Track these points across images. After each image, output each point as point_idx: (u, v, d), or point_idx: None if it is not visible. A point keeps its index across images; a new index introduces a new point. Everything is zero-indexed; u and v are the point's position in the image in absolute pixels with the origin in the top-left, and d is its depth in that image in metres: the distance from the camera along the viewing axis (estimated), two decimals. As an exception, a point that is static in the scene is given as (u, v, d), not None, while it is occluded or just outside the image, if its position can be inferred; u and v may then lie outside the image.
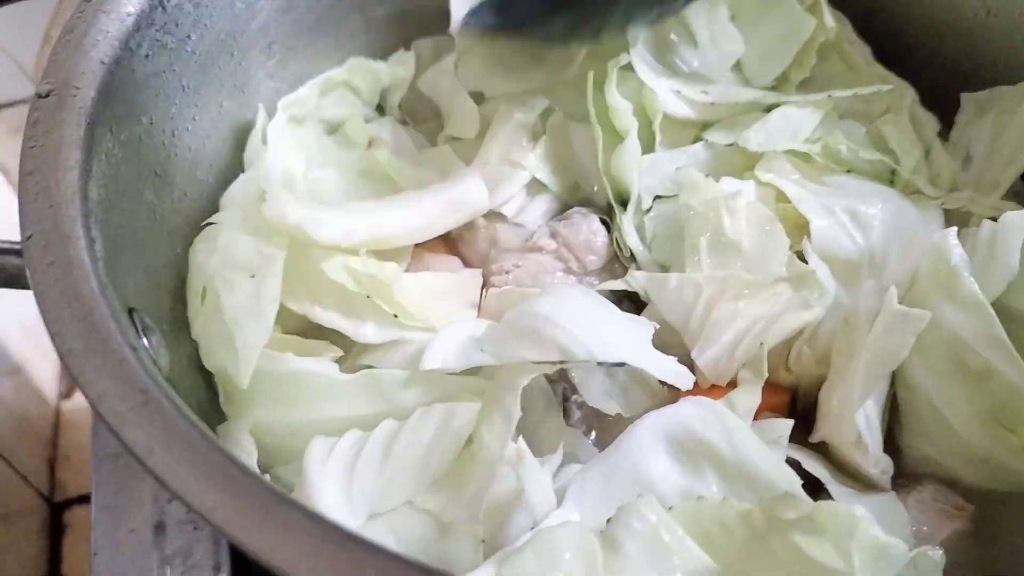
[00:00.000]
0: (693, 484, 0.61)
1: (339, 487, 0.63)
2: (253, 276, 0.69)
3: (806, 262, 0.72)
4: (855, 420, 0.65)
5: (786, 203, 0.76)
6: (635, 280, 0.74)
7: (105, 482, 0.86)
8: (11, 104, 1.31)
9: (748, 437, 0.61)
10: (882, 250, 0.72)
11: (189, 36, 0.72)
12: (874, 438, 0.66)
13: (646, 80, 0.80)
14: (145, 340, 0.55)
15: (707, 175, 0.78)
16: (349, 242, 0.72)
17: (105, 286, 0.51)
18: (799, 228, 0.75)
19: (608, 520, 0.58)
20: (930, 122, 0.84)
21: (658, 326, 0.72)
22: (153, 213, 0.68)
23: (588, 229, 0.79)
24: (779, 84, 0.85)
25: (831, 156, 0.79)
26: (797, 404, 0.74)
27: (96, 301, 0.50)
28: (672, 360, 0.69)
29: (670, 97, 0.82)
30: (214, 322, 0.68)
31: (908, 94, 0.84)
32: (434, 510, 0.62)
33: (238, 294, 0.68)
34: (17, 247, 0.58)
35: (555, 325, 0.66)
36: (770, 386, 0.69)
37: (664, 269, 0.77)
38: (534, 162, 0.82)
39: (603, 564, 0.55)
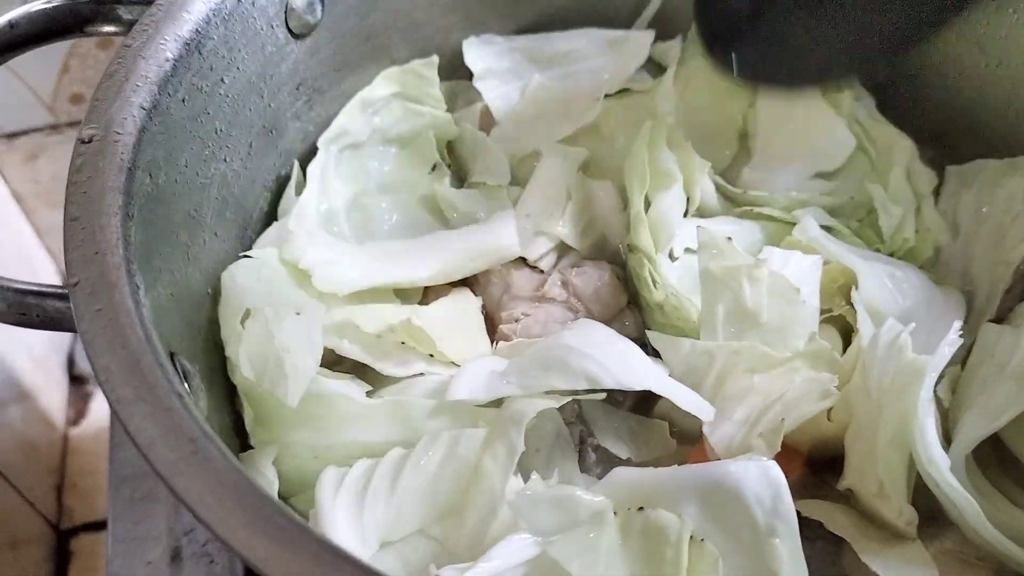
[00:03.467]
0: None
1: (350, 517, 0.64)
2: (299, 314, 0.71)
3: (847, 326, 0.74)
4: (876, 471, 0.66)
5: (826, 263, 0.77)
6: (650, 338, 0.75)
7: (123, 514, 0.87)
8: (26, 132, 1.32)
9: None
10: (917, 320, 0.72)
11: (223, 79, 0.73)
12: (896, 488, 0.66)
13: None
14: (187, 384, 0.56)
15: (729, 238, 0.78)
16: (349, 291, 0.74)
17: (149, 332, 0.52)
18: (838, 289, 0.77)
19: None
20: (926, 178, 0.86)
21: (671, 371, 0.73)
22: (187, 254, 0.69)
23: (599, 279, 0.81)
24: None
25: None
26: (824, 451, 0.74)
27: (143, 348, 0.51)
28: (695, 394, 0.70)
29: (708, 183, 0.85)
30: (260, 344, 0.69)
31: (908, 149, 0.87)
32: (440, 538, 0.64)
33: (287, 325, 0.70)
34: (61, 291, 0.59)
35: (582, 355, 0.68)
36: (783, 450, 0.68)
37: (680, 328, 0.76)
38: (563, 230, 0.83)
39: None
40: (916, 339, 0.68)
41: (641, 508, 0.61)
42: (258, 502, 0.45)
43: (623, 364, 0.67)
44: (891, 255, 0.83)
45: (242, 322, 0.69)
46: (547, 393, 0.69)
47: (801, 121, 0.88)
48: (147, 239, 0.61)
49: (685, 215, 0.83)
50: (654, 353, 0.79)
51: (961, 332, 0.67)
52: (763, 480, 0.60)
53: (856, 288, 0.75)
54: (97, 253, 0.55)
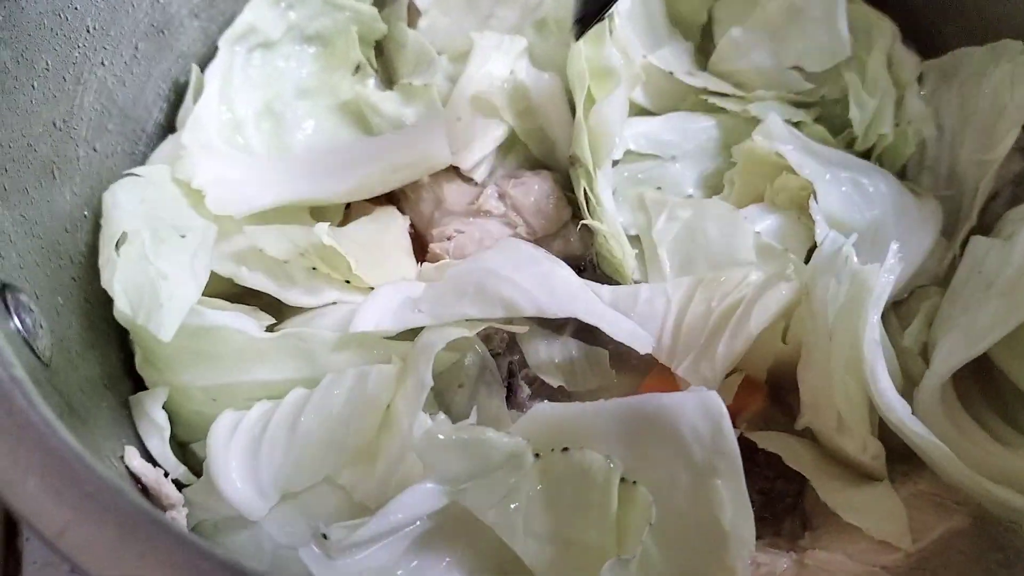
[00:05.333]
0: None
1: (245, 467, 0.57)
2: (184, 236, 0.63)
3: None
4: (833, 402, 0.58)
5: (789, 173, 0.69)
6: (603, 296, 0.66)
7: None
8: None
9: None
10: (885, 231, 0.66)
11: (91, -31, 0.63)
12: (857, 419, 0.58)
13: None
14: (16, 321, 0.48)
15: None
16: (247, 213, 0.66)
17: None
18: (798, 202, 0.69)
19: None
20: (910, 64, 0.76)
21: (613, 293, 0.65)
22: (51, 171, 0.60)
23: (540, 190, 0.72)
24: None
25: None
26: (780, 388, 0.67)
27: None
28: (630, 321, 0.62)
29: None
30: (135, 271, 0.60)
31: (888, 31, 0.76)
32: (349, 487, 0.57)
33: (169, 250, 0.62)
34: None
35: (500, 278, 0.60)
36: (744, 383, 0.63)
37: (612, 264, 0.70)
38: (511, 116, 0.75)
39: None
40: (881, 252, 0.60)
41: (565, 449, 0.54)
42: (64, 463, 0.37)
43: (546, 288, 0.58)
44: (867, 155, 0.74)
45: (117, 248, 0.60)
46: (468, 320, 0.61)
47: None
48: (-15, 152, 0.53)
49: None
50: (601, 273, 0.72)
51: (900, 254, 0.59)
52: (701, 412, 0.52)
53: (814, 197, 0.67)
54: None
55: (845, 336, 0.58)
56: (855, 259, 0.59)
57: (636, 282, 0.69)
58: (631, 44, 0.75)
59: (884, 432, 0.60)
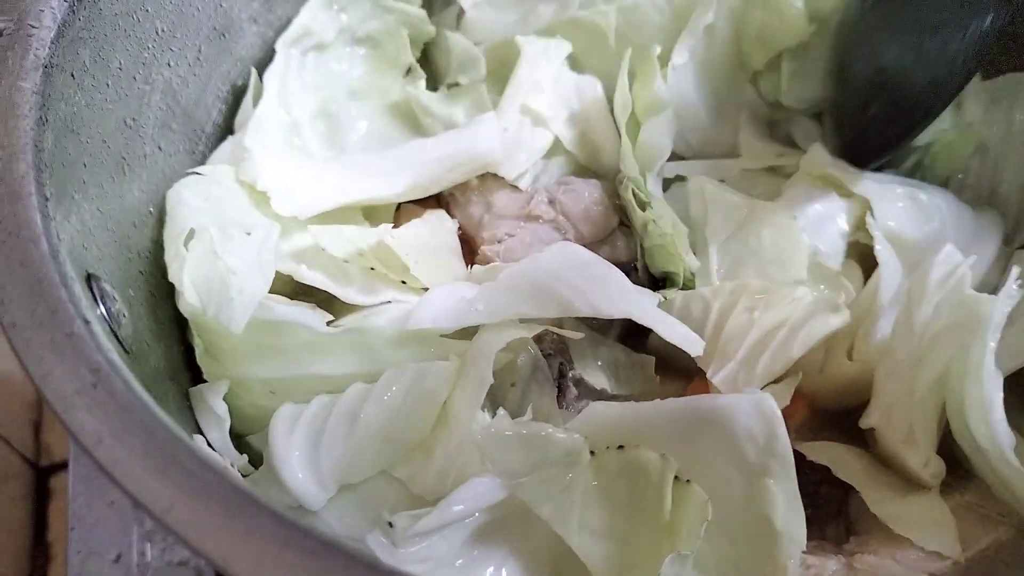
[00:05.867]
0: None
1: (306, 458, 0.59)
2: (249, 234, 0.65)
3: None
4: (909, 413, 0.59)
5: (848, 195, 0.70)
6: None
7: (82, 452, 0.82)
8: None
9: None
10: (945, 244, 0.65)
11: (162, -27, 0.65)
12: (927, 437, 0.60)
13: None
14: (103, 309, 0.50)
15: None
16: (311, 214, 0.68)
17: (56, 249, 0.46)
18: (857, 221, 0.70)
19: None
20: None
21: (664, 299, 0.67)
22: (122, 167, 0.62)
23: (589, 198, 0.73)
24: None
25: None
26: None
27: (46, 266, 0.45)
28: (683, 325, 0.63)
29: None
30: (204, 266, 0.62)
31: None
32: (406, 480, 0.58)
33: (236, 246, 0.63)
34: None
35: (556, 277, 0.61)
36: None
37: (665, 249, 0.70)
38: (558, 126, 0.77)
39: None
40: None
41: (621, 447, 0.55)
42: (166, 443, 0.39)
43: (602, 289, 0.60)
44: (921, 160, 0.75)
45: (186, 243, 0.62)
46: (523, 321, 0.62)
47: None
48: (68, 147, 0.55)
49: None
50: (649, 279, 0.73)
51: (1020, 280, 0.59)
52: (755, 414, 0.54)
53: (871, 213, 0.68)
54: (0, 159, 0.48)
55: (939, 358, 0.58)
56: (969, 284, 0.59)
57: (693, 273, 0.69)
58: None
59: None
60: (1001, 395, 0.56)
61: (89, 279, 0.51)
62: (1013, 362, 0.61)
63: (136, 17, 0.63)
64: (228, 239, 0.62)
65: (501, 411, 0.57)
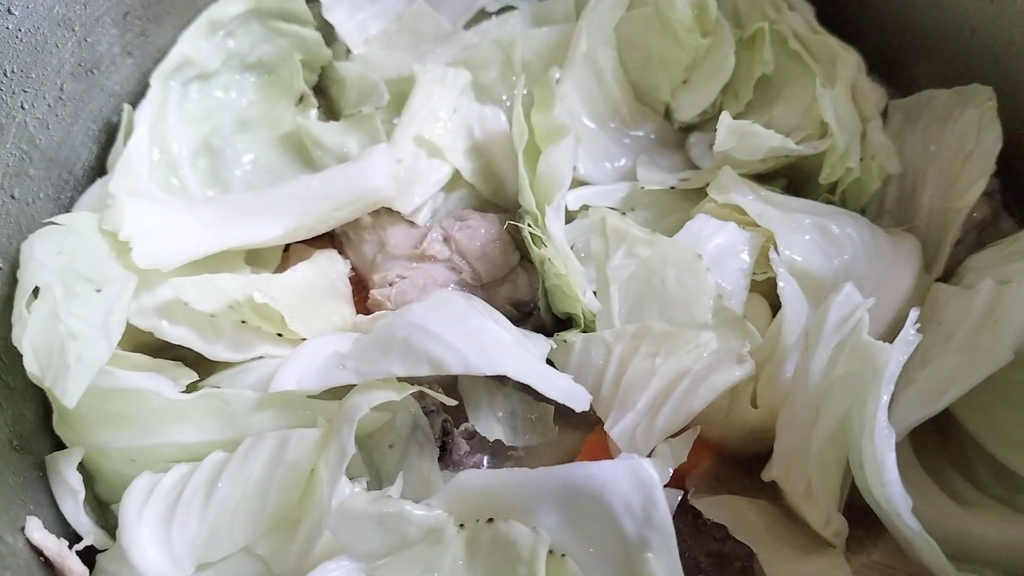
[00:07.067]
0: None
1: (158, 535, 0.54)
2: (100, 291, 0.60)
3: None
4: (806, 467, 0.55)
5: (753, 226, 0.66)
6: (540, 347, 0.63)
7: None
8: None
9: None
10: (858, 277, 0.62)
11: (10, 10, 0.60)
12: (827, 492, 0.55)
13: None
14: None
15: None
16: (177, 265, 0.63)
17: None
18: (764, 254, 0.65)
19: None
20: (874, 97, 0.73)
21: (555, 346, 0.62)
22: (-42, 220, 0.58)
23: (486, 235, 0.69)
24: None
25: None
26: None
27: None
28: (566, 377, 0.59)
29: None
30: (44, 329, 0.58)
31: (852, 62, 0.73)
32: (267, 558, 0.54)
33: (81, 306, 0.59)
34: None
35: (428, 334, 0.57)
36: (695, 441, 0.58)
37: (561, 289, 0.66)
38: (457, 157, 0.73)
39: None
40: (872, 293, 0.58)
41: (491, 520, 0.51)
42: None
43: (476, 345, 0.55)
44: (832, 190, 0.71)
45: (29, 304, 0.58)
46: (400, 380, 0.58)
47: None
48: None
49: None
50: (553, 319, 0.69)
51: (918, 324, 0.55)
52: (633, 483, 0.49)
53: (775, 248, 0.63)
54: None
55: (836, 408, 0.54)
56: (866, 330, 0.54)
57: (593, 314, 0.65)
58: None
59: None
60: (893, 454, 0.52)
61: None
62: (928, 408, 0.57)
63: (-24, 60, 0.58)
64: (73, 298, 0.58)
65: (357, 485, 0.53)
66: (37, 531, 0.53)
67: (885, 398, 0.52)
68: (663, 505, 0.49)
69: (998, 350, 0.55)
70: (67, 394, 0.54)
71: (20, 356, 0.59)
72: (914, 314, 0.55)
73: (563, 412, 0.65)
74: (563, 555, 0.50)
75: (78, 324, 0.56)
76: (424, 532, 0.50)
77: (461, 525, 0.51)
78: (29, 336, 0.56)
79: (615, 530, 0.50)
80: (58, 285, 0.58)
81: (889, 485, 0.51)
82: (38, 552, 0.53)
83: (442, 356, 0.55)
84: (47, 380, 0.55)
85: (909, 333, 0.54)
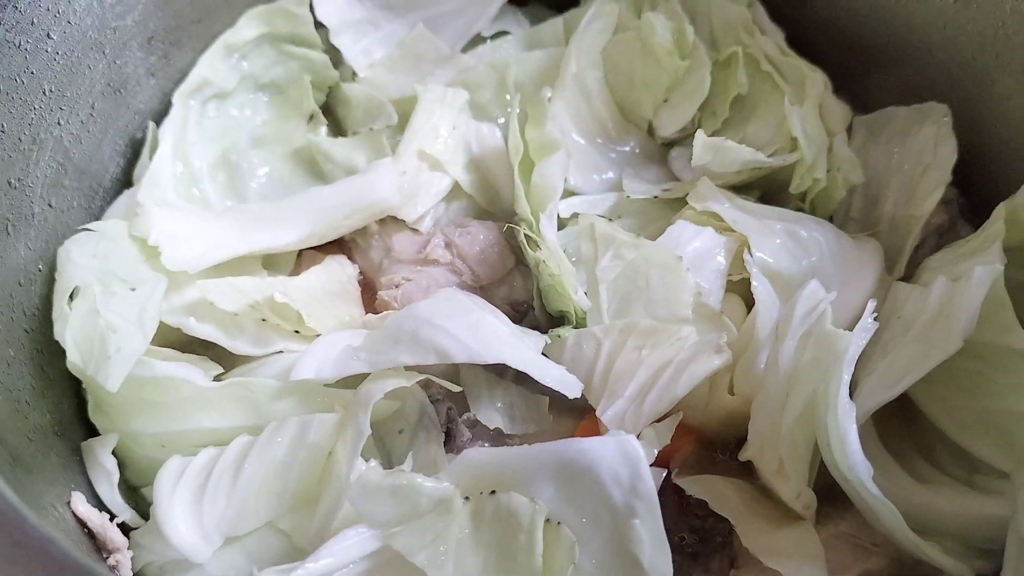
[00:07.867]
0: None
1: (189, 512, 0.60)
2: (134, 290, 0.66)
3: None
4: (777, 446, 0.61)
5: (729, 232, 0.72)
6: (535, 341, 0.69)
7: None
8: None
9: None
10: (824, 277, 0.68)
11: (49, 35, 0.66)
12: (797, 469, 0.61)
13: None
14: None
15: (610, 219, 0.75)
16: (202, 267, 0.69)
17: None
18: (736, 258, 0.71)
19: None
20: (840, 113, 0.80)
21: (549, 341, 0.68)
22: (5, 228, 0.63)
23: (485, 240, 0.75)
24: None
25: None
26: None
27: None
28: (560, 368, 0.65)
29: None
30: (85, 324, 0.63)
31: (820, 81, 0.80)
32: (290, 532, 0.59)
33: (119, 303, 0.64)
34: None
35: (434, 326, 0.62)
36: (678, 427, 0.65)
37: (556, 289, 0.71)
38: (456, 170, 0.79)
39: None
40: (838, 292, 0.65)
41: (493, 492, 0.56)
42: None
43: (477, 336, 0.61)
44: (803, 199, 0.77)
45: (70, 301, 0.63)
46: (408, 369, 0.64)
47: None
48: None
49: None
50: (547, 317, 0.75)
51: (875, 313, 0.62)
52: (620, 457, 0.55)
53: (748, 251, 0.70)
54: None
55: (803, 391, 0.60)
56: (829, 320, 0.60)
57: (584, 312, 0.70)
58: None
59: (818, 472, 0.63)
60: (855, 426, 0.57)
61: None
62: (888, 392, 0.63)
63: (20, 79, 0.64)
64: (111, 296, 0.63)
65: (372, 461, 0.58)
66: (82, 504, 0.58)
67: (846, 377, 0.58)
68: (648, 477, 0.55)
69: (950, 339, 0.61)
70: (109, 380, 0.59)
71: (58, 350, 0.65)
72: (871, 305, 0.61)
73: (556, 403, 0.71)
74: (559, 523, 0.55)
75: (116, 319, 0.62)
76: (434, 503, 0.55)
77: (467, 497, 0.56)
78: (71, 330, 0.62)
79: (605, 500, 0.55)
80: (96, 284, 0.64)
81: (851, 455, 0.57)
82: (82, 524, 0.58)
83: (447, 346, 0.60)
84: (89, 369, 0.60)
85: (867, 321, 0.60)
